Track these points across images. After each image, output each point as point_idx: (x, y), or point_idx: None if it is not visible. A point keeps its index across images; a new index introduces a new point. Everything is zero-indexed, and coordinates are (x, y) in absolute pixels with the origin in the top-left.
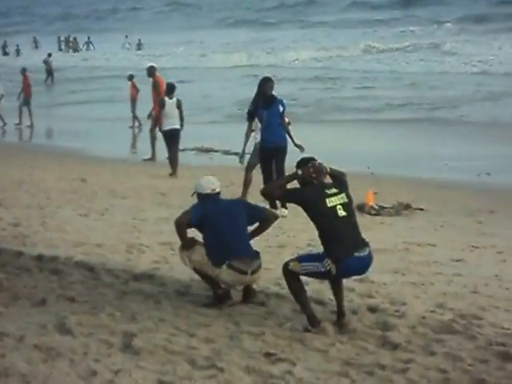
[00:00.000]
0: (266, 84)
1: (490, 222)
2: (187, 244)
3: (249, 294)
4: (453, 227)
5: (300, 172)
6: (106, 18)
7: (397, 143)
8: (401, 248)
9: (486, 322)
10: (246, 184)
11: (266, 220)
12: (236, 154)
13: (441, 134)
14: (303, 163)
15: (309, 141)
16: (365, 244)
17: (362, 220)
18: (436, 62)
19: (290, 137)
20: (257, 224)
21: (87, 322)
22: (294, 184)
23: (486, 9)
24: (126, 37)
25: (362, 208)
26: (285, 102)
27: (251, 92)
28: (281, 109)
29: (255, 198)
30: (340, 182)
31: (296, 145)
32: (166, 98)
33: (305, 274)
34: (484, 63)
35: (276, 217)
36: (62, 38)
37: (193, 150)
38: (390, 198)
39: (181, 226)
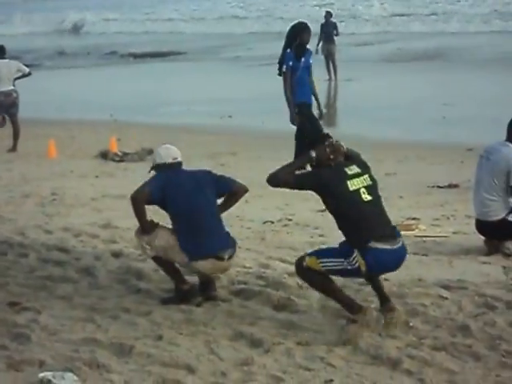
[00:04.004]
0: (306, 31)
1: (231, 163)
2: (147, 227)
3: (209, 288)
4: None
5: (314, 154)
6: None
7: (138, 90)
8: None
9: None
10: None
11: (234, 193)
12: None
13: (185, 78)
14: (317, 142)
15: (52, 89)
16: (396, 234)
17: (106, 167)
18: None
19: (316, 98)
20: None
21: None
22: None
23: None
24: None
25: (105, 155)
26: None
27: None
28: (311, 61)
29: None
30: (359, 161)
31: (321, 110)
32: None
33: (326, 272)
34: None
35: (246, 189)
36: None
37: None
38: (133, 144)
39: (139, 202)
